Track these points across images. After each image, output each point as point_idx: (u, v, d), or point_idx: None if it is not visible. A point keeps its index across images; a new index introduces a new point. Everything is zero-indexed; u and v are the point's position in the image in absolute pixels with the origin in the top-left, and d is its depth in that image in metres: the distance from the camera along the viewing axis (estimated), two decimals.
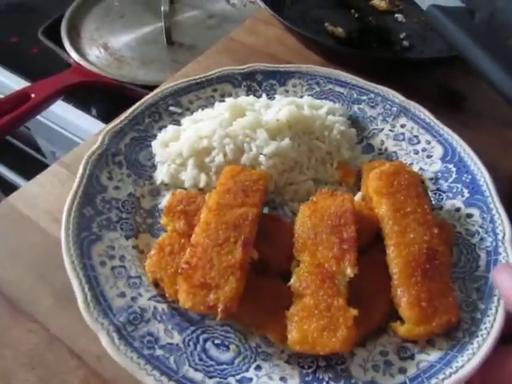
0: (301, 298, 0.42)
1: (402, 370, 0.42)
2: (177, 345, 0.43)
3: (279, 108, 0.60)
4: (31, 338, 0.46)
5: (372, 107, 0.66)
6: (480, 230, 0.51)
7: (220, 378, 0.41)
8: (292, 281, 0.43)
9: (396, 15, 0.88)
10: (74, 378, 0.44)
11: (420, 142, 0.61)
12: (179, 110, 0.64)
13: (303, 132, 0.60)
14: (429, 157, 0.60)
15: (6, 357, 0.44)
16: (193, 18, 1.08)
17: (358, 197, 0.55)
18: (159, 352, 0.42)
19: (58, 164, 0.62)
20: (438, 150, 0.60)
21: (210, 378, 0.41)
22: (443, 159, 0.59)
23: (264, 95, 0.66)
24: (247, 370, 0.42)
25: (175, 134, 0.59)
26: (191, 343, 0.43)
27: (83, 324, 0.44)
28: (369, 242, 0.50)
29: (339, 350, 0.40)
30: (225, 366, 0.42)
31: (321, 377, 0.42)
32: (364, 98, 0.66)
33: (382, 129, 0.64)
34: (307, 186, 0.58)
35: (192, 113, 0.64)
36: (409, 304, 0.42)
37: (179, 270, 0.43)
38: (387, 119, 0.64)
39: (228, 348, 0.43)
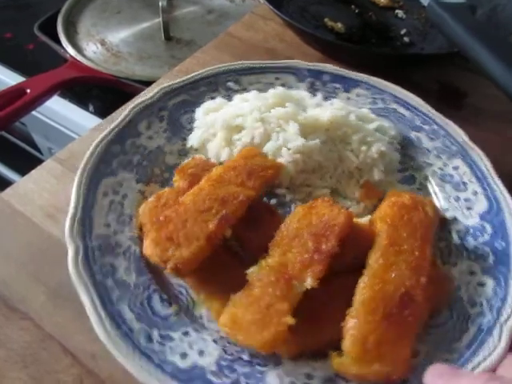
0: (251, 287, 0.42)
1: None
2: (128, 284, 0.45)
3: (328, 110, 0.58)
4: (24, 336, 0.45)
5: (431, 139, 0.60)
6: (484, 303, 0.46)
7: (146, 325, 0.43)
8: (251, 269, 0.43)
9: (396, 11, 0.88)
10: (67, 377, 0.43)
11: (466, 190, 0.55)
12: (236, 88, 0.65)
13: (340, 140, 0.57)
14: (468, 208, 0.54)
15: None
16: (191, 13, 1.07)
17: (365, 219, 0.51)
18: (109, 282, 0.44)
19: (53, 160, 0.61)
20: (481, 204, 0.53)
21: (138, 321, 0.43)
22: (483, 216, 0.52)
23: (320, 95, 0.63)
24: (175, 331, 0.43)
25: (219, 106, 0.61)
26: (141, 287, 0.46)
27: (78, 322, 0.43)
28: (355, 264, 0.46)
29: (258, 349, 0.39)
30: (157, 319, 0.44)
31: (234, 367, 0.41)
32: (426, 127, 0.61)
33: (432, 164, 0.59)
34: (322, 193, 0.55)
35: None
36: (353, 337, 0.39)
37: (155, 219, 0.46)
38: (441, 156, 0.59)
39: (170, 305, 0.45)
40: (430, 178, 0.58)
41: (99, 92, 0.98)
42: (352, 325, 0.39)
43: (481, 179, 0.56)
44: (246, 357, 0.42)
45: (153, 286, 0.46)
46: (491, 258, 0.49)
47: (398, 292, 0.41)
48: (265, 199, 0.55)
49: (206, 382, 0.40)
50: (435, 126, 0.61)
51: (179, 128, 0.61)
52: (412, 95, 0.64)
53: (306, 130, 0.56)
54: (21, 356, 0.44)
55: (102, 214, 0.50)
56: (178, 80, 0.63)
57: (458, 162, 0.58)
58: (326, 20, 0.83)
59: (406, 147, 0.61)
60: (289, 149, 0.54)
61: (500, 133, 0.68)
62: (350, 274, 0.44)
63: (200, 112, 0.61)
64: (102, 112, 0.91)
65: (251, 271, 0.43)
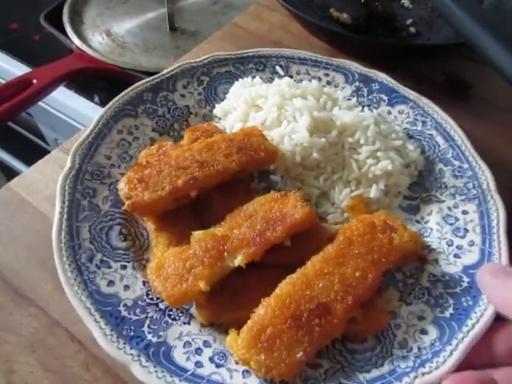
0: (189, 247, 0.44)
1: None
2: (99, 209, 0.50)
3: (351, 114, 0.57)
4: (32, 323, 0.46)
5: (455, 176, 0.56)
6: (414, 350, 0.43)
7: (94, 248, 0.47)
8: (197, 232, 0.45)
9: (402, 1, 0.87)
10: (74, 362, 0.44)
11: (464, 238, 0.51)
12: (282, 73, 0.66)
13: (350, 146, 0.56)
14: (456, 256, 0.50)
15: (8, 341, 0.45)
16: (196, 4, 1.07)
17: (337, 227, 0.51)
18: (84, 202, 0.50)
19: (59, 150, 0.61)
20: (471, 257, 0.50)
21: (90, 242, 0.47)
22: (466, 269, 0.49)
23: (355, 99, 0.64)
24: (115, 261, 0.47)
25: (253, 84, 0.63)
26: (108, 217, 0.50)
27: None
28: (297, 261, 0.45)
29: (164, 298, 0.42)
30: (106, 246, 0.48)
31: (147, 310, 0.45)
32: (456, 162, 0.57)
33: (443, 201, 0.55)
34: (310, 192, 0.55)
35: None
36: (253, 323, 0.40)
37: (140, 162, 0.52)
38: (457, 196, 0.55)
39: (124, 240, 0.49)
40: (434, 213, 0.54)
41: (104, 83, 0.98)
42: (259, 312, 0.40)
43: (485, 233, 0.50)
44: (162, 306, 0.45)
45: (119, 219, 0.50)
46: (449, 312, 0.45)
47: (317, 300, 0.41)
48: (257, 181, 0.57)
49: (116, 312, 0.43)
50: (465, 165, 0.56)
51: (213, 95, 0.64)
52: (456, 126, 0.60)
53: (318, 127, 0.55)
54: (29, 341, 0.45)
55: (110, 146, 0.55)
56: (229, 52, 0.66)
57: (470, 207, 0.53)
58: (331, 11, 0.82)
59: (425, 176, 0.58)
60: (291, 139, 0.54)
61: (505, 123, 0.67)
62: (287, 268, 0.44)
63: (237, 85, 0.63)
64: (108, 103, 0.91)
65: (196, 233, 0.45)
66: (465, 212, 0.53)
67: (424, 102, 0.63)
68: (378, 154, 0.55)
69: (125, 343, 0.41)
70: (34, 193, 0.57)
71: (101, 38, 0.97)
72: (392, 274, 0.49)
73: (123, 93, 0.60)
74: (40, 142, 1.18)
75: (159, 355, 0.41)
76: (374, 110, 0.63)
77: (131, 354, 0.40)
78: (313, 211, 0.47)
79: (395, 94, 0.64)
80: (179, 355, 0.41)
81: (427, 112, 0.62)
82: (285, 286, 0.42)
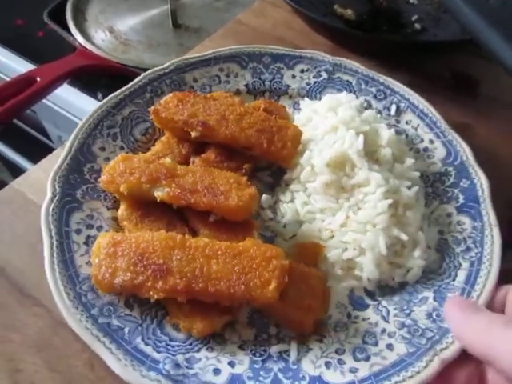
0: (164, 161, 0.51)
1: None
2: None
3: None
4: (37, 323, 0.46)
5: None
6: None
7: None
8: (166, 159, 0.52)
9: None
10: (78, 361, 0.44)
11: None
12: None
13: (346, 193, 0.52)
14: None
15: (13, 340, 0.45)
16: (199, 0, 1.06)
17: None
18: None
19: (62, 148, 0.61)
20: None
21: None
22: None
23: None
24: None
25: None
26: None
27: None
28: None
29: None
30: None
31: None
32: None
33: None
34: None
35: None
36: None
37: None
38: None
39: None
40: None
41: (108, 80, 0.98)
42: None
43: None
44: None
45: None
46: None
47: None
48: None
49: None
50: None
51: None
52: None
53: (337, 163, 0.53)
54: (35, 341, 0.45)
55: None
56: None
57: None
58: (335, 7, 0.81)
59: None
60: (310, 157, 0.54)
61: (509, 121, 0.66)
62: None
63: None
64: None
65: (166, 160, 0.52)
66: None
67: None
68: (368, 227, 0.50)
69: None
70: (37, 192, 0.57)
71: (104, 35, 0.97)
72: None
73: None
74: (44, 139, 1.18)
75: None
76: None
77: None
78: (247, 208, 0.48)
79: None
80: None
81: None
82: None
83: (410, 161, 0.54)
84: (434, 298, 0.46)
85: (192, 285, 0.41)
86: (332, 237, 0.51)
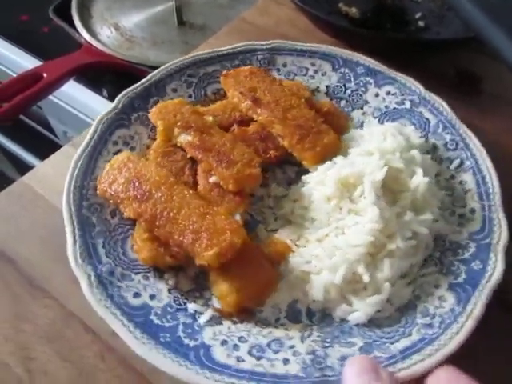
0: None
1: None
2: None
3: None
4: (48, 314, 0.47)
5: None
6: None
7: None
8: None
9: None
10: (89, 352, 0.45)
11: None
12: (268, 66, 0.67)
13: (341, 214, 0.50)
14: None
15: (25, 330, 0.46)
16: None
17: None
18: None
19: (70, 145, 0.62)
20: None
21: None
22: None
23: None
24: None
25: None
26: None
27: None
28: None
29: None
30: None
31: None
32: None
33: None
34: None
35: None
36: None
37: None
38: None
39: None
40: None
41: (112, 76, 0.99)
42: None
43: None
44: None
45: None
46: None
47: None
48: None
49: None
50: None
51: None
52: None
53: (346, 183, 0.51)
54: (46, 332, 0.46)
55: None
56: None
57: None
58: (340, 5, 0.82)
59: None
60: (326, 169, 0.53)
61: None
62: None
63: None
64: (116, 97, 0.92)
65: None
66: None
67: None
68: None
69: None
70: (46, 187, 0.58)
71: (109, 31, 0.98)
72: None
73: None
74: (49, 134, 1.19)
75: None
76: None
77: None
78: (240, 183, 0.51)
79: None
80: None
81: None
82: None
83: (428, 216, 0.49)
84: (360, 348, 0.44)
85: (156, 217, 0.47)
86: (305, 246, 0.51)
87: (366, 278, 0.45)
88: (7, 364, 0.44)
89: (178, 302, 0.46)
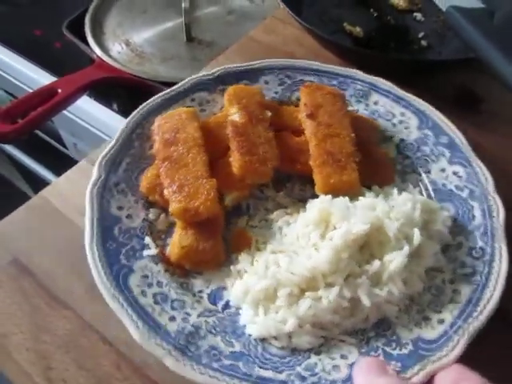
0: None
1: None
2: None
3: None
4: (66, 325, 0.50)
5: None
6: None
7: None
8: None
9: (415, 14, 0.89)
10: (106, 362, 0.47)
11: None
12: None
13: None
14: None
15: (45, 341, 0.48)
16: (212, 14, 1.10)
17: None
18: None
19: (86, 161, 0.65)
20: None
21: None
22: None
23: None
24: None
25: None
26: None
27: (114, 313, 0.47)
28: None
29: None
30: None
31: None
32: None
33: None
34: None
35: None
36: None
37: None
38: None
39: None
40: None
41: (123, 91, 1.02)
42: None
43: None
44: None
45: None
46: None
47: None
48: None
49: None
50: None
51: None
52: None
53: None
54: (64, 342, 0.48)
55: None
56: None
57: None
58: (344, 24, 0.84)
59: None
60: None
61: None
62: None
63: None
64: (126, 111, 0.94)
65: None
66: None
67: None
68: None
69: None
70: (63, 201, 0.60)
71: (120, 47, 1.01)
72: None
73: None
74: (58, 146, 1.22)
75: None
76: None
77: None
78: (239, 172, 0.56)
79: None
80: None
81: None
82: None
83: (381, 294, 0.47)
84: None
85: (166, 160, 0.55)
86: (261, 251, 0.53)
87: (279, 302, 0.46)
88: (29, 374, 0.46)
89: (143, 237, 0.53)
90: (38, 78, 1.02)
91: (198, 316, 0.48)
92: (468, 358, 0.43)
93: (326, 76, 0.69)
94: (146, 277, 0.50)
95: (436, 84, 0.76)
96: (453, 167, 0.58)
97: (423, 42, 0.83)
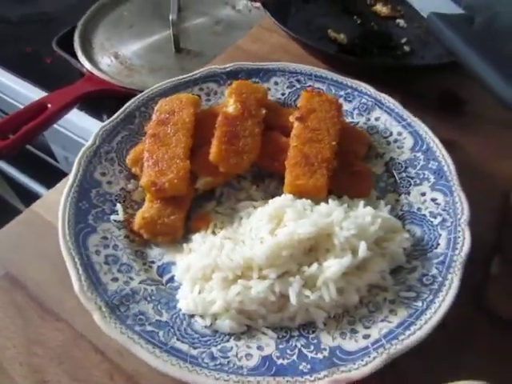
0: None
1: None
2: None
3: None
4: (59, 336, 0.50)
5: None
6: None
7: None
8: None
9: (397, 20, 0.91)
10: (98, 372, 0.47)
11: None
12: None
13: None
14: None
15: (37, 353, 0.48)
16: (200, 24, 1.11)
17: None
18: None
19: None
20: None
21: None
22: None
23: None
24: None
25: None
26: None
27: None
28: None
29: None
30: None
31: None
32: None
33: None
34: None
35: None
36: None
37: None
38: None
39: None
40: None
41: (113, 103, 1.02)
42: None
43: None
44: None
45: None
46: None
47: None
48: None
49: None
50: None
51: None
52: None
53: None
54: (57, 353, 0.49)
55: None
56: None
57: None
58: (329, 31, 0.86)
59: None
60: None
61: (499, 138, 0.70)
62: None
63: None
64: None
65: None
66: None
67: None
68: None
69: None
70: (54, 214, 0.60)
71: (109, 60, 1.02)
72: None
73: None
74: (50, 160, 1.22)
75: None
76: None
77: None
78: (214, 160, 0.58)
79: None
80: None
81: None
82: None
83: (313, 296, 0.48)
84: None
85: (153, 137, 0.59)
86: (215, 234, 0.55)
87: (212, 284, 0.49)
88: None
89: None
90: (29, 93, 1.03)
91: (140, 282, 0.51)
92: None
93: (335, 85, 0.71)
94: (106, 238, 0.54)
95: (420, 88, 0.78)
96: (433, 193, 0.58)
97: (406, 48, 0.85)
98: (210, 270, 0.49)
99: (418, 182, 0.60)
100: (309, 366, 0.45)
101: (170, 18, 1.03)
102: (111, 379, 0.47)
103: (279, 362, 0.45)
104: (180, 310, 0.49)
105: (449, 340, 0.49)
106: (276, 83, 0.72)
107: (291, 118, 0.63)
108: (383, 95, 0.68)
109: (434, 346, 0.47)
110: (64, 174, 0.65)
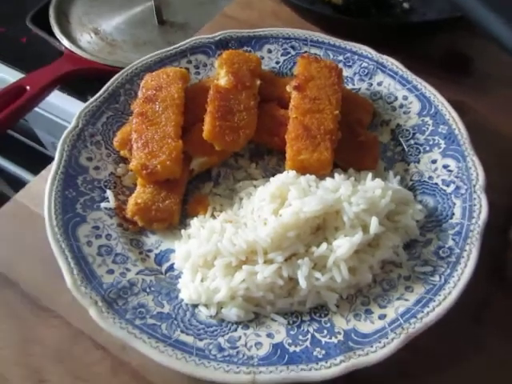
0: None
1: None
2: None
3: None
4: (56, 333, 0.47)
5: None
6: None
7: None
8: None
9: None
10: (101, 369, 0.45)
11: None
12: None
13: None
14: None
15: (35, 353, 0.46)
16: None
17: None
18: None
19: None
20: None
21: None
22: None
23: None
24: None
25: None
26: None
27: None
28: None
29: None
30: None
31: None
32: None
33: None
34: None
35: None
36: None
37: None
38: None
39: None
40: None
41: (97, 83, 0.97)
42: None
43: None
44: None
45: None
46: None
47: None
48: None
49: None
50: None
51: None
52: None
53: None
54: (55, 352, 0.46)
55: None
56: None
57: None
58: None
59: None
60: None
61: (507, 97, 0.67)
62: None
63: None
64: None
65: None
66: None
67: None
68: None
69: None
70: (40, 203, 0.56)
71: (89, 37, 0.96)
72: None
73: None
74: (37, 146, 1.17)
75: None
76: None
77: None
78: (207, 137, 0.54)
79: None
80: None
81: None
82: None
83: (322, 277, 0.45)
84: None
85: (141, 116, 0.55)
86: (215, 218, 0.52)
87: (214, 271, 0.46)
88: None
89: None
90: (5, 76, 0.97)
91: (137, 273, 0.48)
92: None
93: (333, 50, 0.66)
94: (97, 228, 0.51)
95: (422, 48, 0.73)
96: (445, 160, 0.55)
97: (405, 5, 0.80)
98: (212, 256, 0.46)
99: (428, 148, 0.56)
100: (323, 352, 0.42)
101: None
102: (115, 375, 0.44)
103: (291, 349, 0.43)
104: (182, 300, 0.47)
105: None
106: (269, 51, 0.67)
107: (288, 88, 0.59)
108: (385, 57, 0.63)
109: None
110: (52, 160, 0.61)
